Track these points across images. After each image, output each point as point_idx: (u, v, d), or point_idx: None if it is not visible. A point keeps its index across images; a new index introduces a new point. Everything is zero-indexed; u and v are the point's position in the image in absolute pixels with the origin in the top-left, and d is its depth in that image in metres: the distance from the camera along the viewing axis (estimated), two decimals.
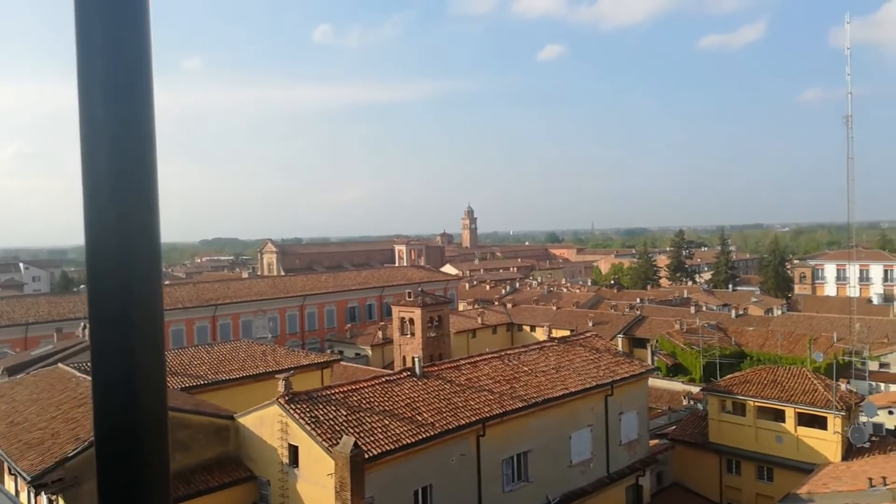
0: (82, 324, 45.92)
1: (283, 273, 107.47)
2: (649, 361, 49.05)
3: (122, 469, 0.96)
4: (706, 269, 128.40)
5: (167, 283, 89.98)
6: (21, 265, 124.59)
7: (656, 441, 35.62)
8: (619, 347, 49.44)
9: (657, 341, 57.61)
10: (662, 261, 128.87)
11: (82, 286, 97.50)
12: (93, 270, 0.98)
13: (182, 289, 68.77)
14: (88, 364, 24.76)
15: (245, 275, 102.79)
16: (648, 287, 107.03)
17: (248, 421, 24.35)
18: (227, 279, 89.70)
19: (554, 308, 71.04)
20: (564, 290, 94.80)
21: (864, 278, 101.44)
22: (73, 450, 20.20)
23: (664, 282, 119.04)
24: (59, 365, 29.66)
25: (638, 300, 78.90)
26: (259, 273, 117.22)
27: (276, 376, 25.13)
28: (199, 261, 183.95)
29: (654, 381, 42.65)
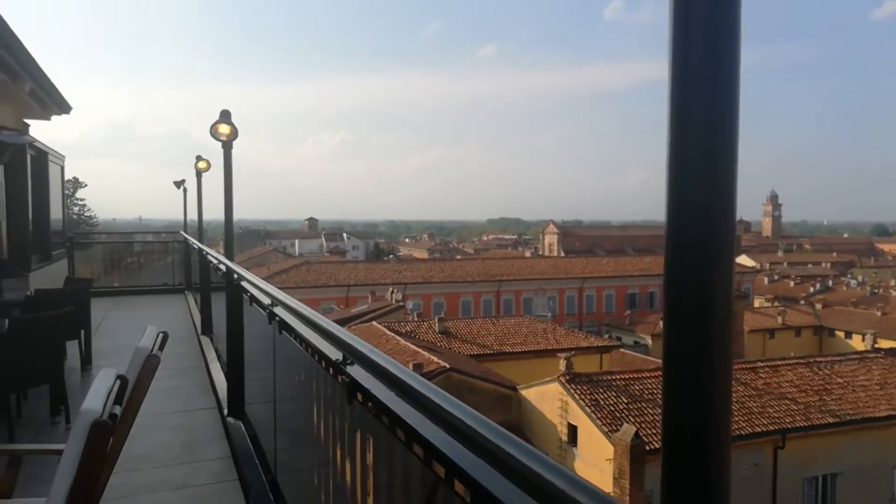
0: (390, 288, 52.39)
1: (563, 254, 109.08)
2: None
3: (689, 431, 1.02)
4: None
5: (458, 257, 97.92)
6: (344, 235, 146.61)
7: None
8: None
9: None
10: None
11: (391, 256, 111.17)
12: (672, 246, 1.07)
13: (471, 264, 74.16)
14: (396, 324, 28.11)
15: (527, 254, 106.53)
16: None
17: (529, 394, 25.32)
18: (510, 257, 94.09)
19: (879, 313, 60.16)
20: (894, 293, 79.64)
21: None
22: None
23: None
24: (373, 323, 34.27)
25: None
26: (540, 253, 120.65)
27: (558, 354, 25.68)
28: (485, 238, 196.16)
29: None
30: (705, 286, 1.01)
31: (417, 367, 24.57)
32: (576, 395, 22.46)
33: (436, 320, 36.20)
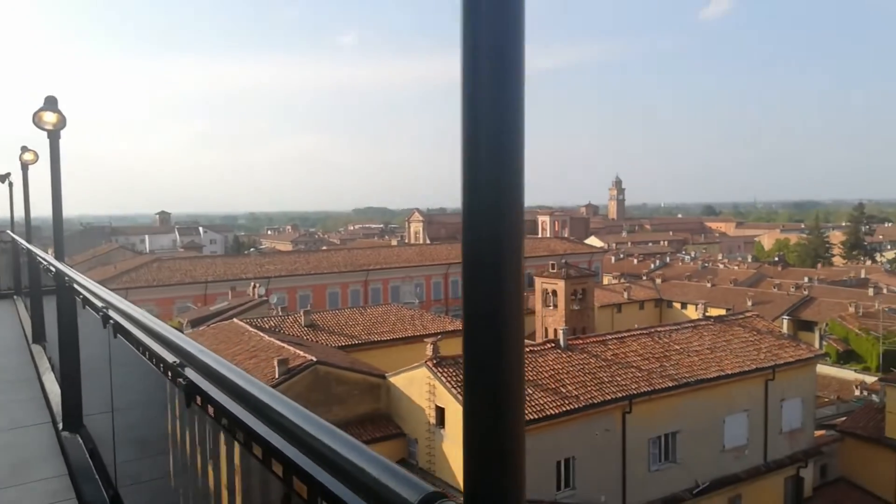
0: (252, 283, 50.51)
1: (428, 241, 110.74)
2: (817, 346, 44.95)
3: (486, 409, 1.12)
4: (889, 247, 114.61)
5: (324, 248, 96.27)
6: (200, 229, 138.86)
7: (822, 432, 32.77)
8: (783, 330, 45.72)
9: (827, 325, 52.63)
10: (836, 237, 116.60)
11: (252, 249, 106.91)
12: (469, 230, 1.12)
13: (338, 254, 73.28)
14: (258, 320, 27.14)
15: (394, 242, 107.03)
16: (819, 266, 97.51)
17: (398, 381, 25.58)
18: (377, 246, 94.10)
19: (709, 285, 67.06)
20: (721, 266, 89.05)
21: None
22: None
23: (837, 260, 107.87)
24: (234, 320, 32.89)
25: (806, 279, 72.21)
26: (406, 241, 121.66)
27: (425, 340, 26.13)
28: (351, 228, 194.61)
29: (821, 369, 39.09)
30: (495, 290, 1.11)
31: (283, 363, 23.98)
32: (442, 377, 23.04)
33: (302, 313, 35.44)
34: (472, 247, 1.10)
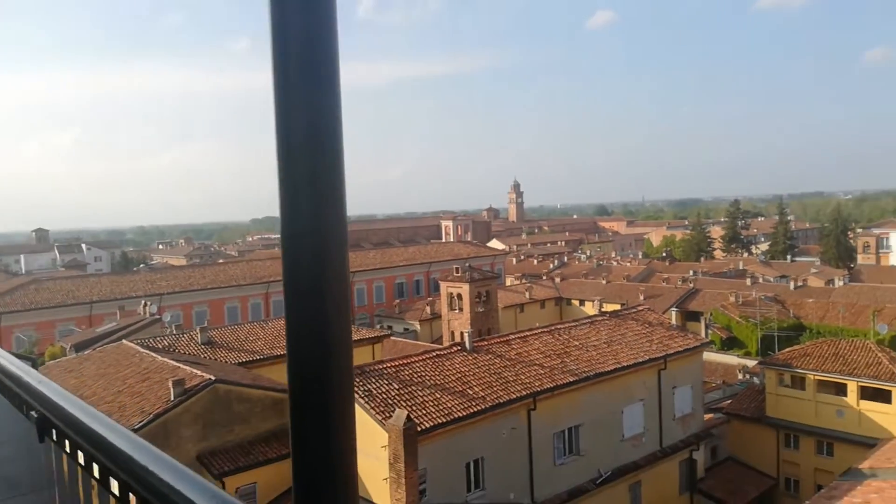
0: (143, 301, 47.75)
1: None
2: (703, 335, 48.04)
3: (312, 433, 1.06)
4: (763, 239, 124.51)
5: (221, 261, 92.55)
6: (83, 246, 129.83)
7: (710, 415, 35.05)
8: (672, 321, 48.55)
9: (711, 314, 56.38)
10: (716, 232, 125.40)
11: (142, 265, 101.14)
12: (288, 246, 1.04)
13: (236, 267, 70.62)
14: (150, 340, 25.68)
15: None
16: (702, 259, 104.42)
17: None
18: (278, 256, 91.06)
19: (604, 282, 70.15)
20: (614, 263, 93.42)
21: None
22: (140, 422, 21.11)
23: (718, 254, 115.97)
24: (124, 341, 30.93)
25: (691, 273, 77.12)
26: None
27: None
28: (250, 239, 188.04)
29: (708, 355, 41.80)
30: (320, 317, 1.04)
31: (178, 384, 22.78)
32: None
33: (198, 330, 33.84)
34: (293, 264, 1.03)
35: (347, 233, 1.07)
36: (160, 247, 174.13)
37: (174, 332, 35.67)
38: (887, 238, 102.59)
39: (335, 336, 1.04)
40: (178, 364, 25.59)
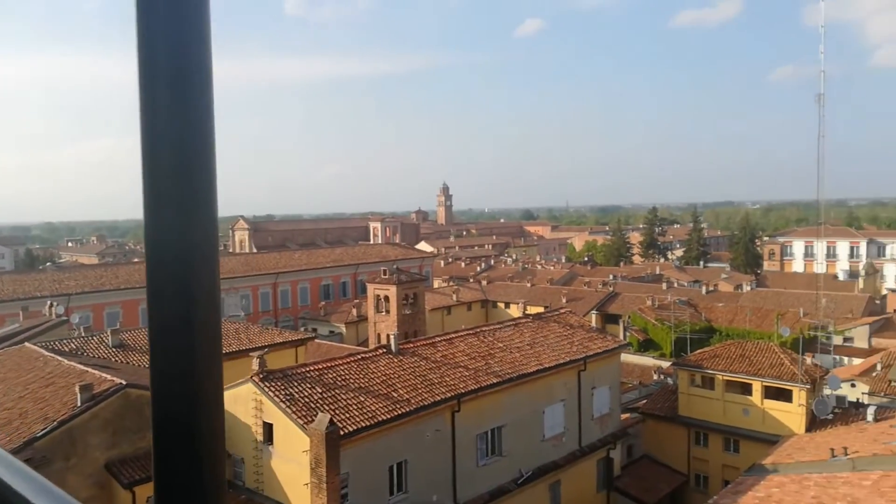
0: (49, 302, 45.01)
1: (255, 250, 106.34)
2: (621, 337, 49.80)
3: (178, 454, 0.98)
4: (678, 245, 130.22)
5: (136, 260, 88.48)
6: None
7: (627, 415, 36.30)
8: (593, 323, 50.04)
9: (629, 317, 58.44)
10: (635, 238, 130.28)
11: (49, 263, 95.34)
12: (152, 249, 0.98)
13: None
14: (56, 343, 24.23)
15: None
16: (621, 264, 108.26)
17: None
18: None
19: (528, 285, 71.51)
20: (539, 267, 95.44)
21: (831, 255, 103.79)
22: (42, 429, 19.88)
23: (637, 259, 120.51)
24: (26, 344, 29.03)
25: (611, 277, 79.79)
26: (231, 250, 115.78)
27: (250, 354, 24.95)
28: None
29: (625, 357, 43.34)
30: (188, 298, 0.98)
31: (86, 389, 21.58)
32: (270, 392, 22.15)
33: (109, 333, 32.19)
34: (157, 268, 0.97)
35: (217, 238, 1.02)
36: (69, 244, 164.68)
37: (83, 334, 33.81)
38: (791, 246, 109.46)
39: (203, 359, 0.98)
40: (85, 368, 24.25)
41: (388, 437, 22.88)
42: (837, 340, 49.61)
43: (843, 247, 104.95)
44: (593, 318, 58.03)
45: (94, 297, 55.30)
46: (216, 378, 0.99)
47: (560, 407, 30.05)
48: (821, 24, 32.57)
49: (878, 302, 70.04)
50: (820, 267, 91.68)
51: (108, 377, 22.81)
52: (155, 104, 0.95)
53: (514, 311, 60.18)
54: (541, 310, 45.73)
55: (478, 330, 32.06)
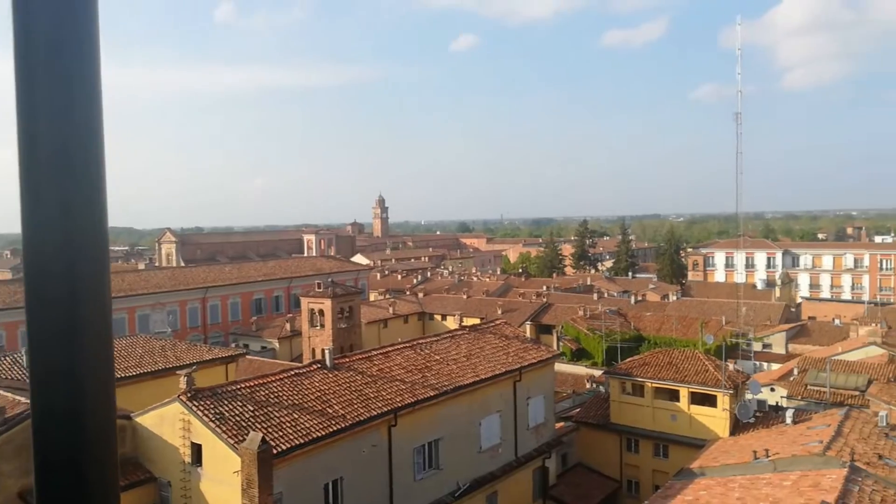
0: None
1: (183, 264, 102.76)
2: (555, 347, 50.65)
3: (66, 481, 0.93)
4: (608, 257, 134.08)
5: None
6: None
7: (562, 424, 36.86)
8: (527, 334, 50.75)
9: (562, 327, 59.59)
10: (567, 249, 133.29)
11: None
12: (31, 260, 0.90)
13: None
14: None
15: (141, 266, 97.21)
16: (554, 275, 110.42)
17: (146, 420, 23.12)
18: (121, 271, 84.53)
19: (464, 297, 71.92)
20: (475, 279, 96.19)
21: (750, 265, 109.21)
22: None
23: (569, 270, 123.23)
24: None
25: (544, 288, 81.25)
26: (157, 264, 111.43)
27: (177, 372, 24.02)
28: None
29: (559, 366, 44.07)
30: (74, 310, 0.92)
31: None
32: (198, 411, 21.32)
33: (24, 352, 30.33)
34: (38, 283, 0.90)
35: (108, 248, 0.95)
36: None
37: None
38: (713, 257, 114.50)
39: (92, 382, 0.90)
40: None
41: (324, 455, 22.42)
42: (757, 347, 52.11)
43: (760, 257, 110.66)
44: (528, 329, 58.88)
45: (7, 315, 52.06)
46: (108, 410, 0.92)
47: (496, 418, 30.23)
48: (737, 46, 34.42)
49: (793, 310, 74.21)
50: (740, 277, 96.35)
51: (24, 400, 21.46)
52: (32, 106, 0.88)
53: (451, 322, 60.35)
54: (477, 321, 46.01)
55: (414, 343, 31.93)
